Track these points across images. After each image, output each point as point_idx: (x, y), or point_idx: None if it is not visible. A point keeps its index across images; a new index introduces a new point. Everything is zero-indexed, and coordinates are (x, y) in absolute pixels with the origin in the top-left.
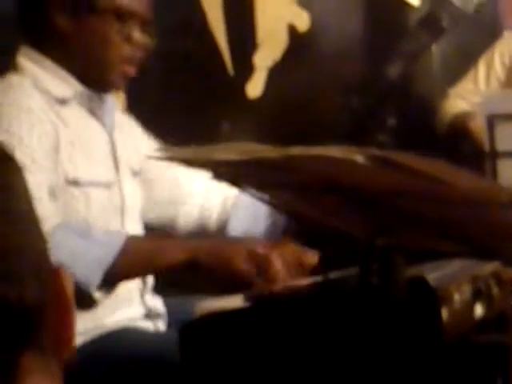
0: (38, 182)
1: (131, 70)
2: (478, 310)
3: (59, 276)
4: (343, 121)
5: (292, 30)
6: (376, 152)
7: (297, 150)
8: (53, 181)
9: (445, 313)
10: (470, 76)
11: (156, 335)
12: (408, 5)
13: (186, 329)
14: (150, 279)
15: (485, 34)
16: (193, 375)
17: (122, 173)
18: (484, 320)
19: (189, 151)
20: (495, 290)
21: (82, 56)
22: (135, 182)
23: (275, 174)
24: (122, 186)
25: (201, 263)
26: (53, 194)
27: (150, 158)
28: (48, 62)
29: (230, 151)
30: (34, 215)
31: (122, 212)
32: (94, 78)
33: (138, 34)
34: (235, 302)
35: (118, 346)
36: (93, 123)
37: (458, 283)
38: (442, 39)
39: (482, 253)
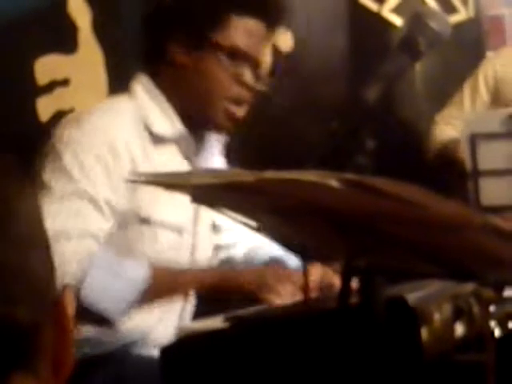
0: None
1: (239, 112)
2: (459, 329)
3: (62, 301)
4: (322, 143)
5: (275, 50)
6: (350, 176)
7: (271, 174)
8: (120, 217)
9: (424, 332)
10: (455, 101)
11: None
12: (391, 25)
13: (167, 350)
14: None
15: (468, 54)
16: None
17: (201, 223)
18: (465, 339)
19: (167, 175)
20: (476, 309)
21: (192, 91)
22: (212, 234)
23: (251, 197)
24: (196, 235)
25: (211, 291)
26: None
27: (129, 182)
28: (158, 94)
29: (206, 175)
30: (37, 239)
31: (191, 259)
32: (198, 113)
33: (248, 76)
34: (215, 323)
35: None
36: (183, 167)
37: (438, 302)
38: (425, 60)
39: (459, 275)
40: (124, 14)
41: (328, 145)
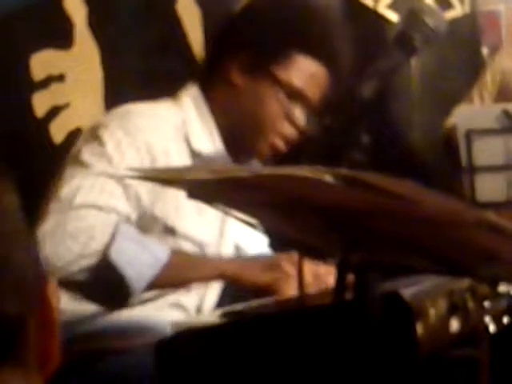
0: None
1: (282, 146)
2: (454, 324)
3: (46, 292)
4: (317, 138)
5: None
6: (345, 172)
7: (267, 170)
8: (144, 219)
9: (419, 328)
10: (467, 98)
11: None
12: (387, 21)
13: (162, 345)
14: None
15: (464, 50)
16: None
17: (225, 242)
18: (460, 334)
19: (163, 171)
20: (471, 305)
21: (241, 114)
22: (235, 255)
23: (247, 193)
24: (219, 254)
25: (227, 279)
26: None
27: (126, 177)
28: (205, 109)
29: (203, 171)
30: (21, 234)
31: None
32: (242, 139)
33: (300, 116)
34: (211, 318)
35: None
36: None
37: (433, 298)
38: (421, 56)
39: (454, 270)
40: (120, 10)
41: (323, 140)
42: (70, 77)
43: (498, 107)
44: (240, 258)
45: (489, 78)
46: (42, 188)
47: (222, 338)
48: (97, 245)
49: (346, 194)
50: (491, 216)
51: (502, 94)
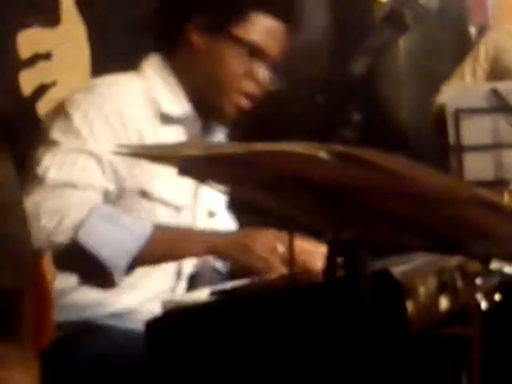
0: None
1: (246, 105)
2: (443, 302)
3: (41, 266)
4: (308, 116)
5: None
6: (339, 148)
7: (261, 146)
8: (120, 184)
9: (410, 306)
10: (457, 73)
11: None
12: (376, 1)
13: (152, 323)
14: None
15: (451, 29)
16: (159, 370)
17: (199, 207)
18: (449, 313)
19: (154, 147)
20: (460, 283)
21: (204, 76)
22: (210, 221)
23: (240, 170)
24: (194, 218)
25: (218, 255)
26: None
27: (115, 153)
28: (168, 73)
29: (195, 147)
30: (15, 207)
31: None
32: (207, 100)
33: (262, 73)
34: (201, 296)
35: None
36: None
37: (423, 276)
38: (409, 35)
39: (446, 247)
40: None
41: (314, 118)
42: (56, 55)
43: (487, 86)
44: (229, 233)
45: (482, 54)
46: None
47: (212, 317)
48: (69, 224)
49: (340, 170)
50: (486, 192)
51: (495, 71)
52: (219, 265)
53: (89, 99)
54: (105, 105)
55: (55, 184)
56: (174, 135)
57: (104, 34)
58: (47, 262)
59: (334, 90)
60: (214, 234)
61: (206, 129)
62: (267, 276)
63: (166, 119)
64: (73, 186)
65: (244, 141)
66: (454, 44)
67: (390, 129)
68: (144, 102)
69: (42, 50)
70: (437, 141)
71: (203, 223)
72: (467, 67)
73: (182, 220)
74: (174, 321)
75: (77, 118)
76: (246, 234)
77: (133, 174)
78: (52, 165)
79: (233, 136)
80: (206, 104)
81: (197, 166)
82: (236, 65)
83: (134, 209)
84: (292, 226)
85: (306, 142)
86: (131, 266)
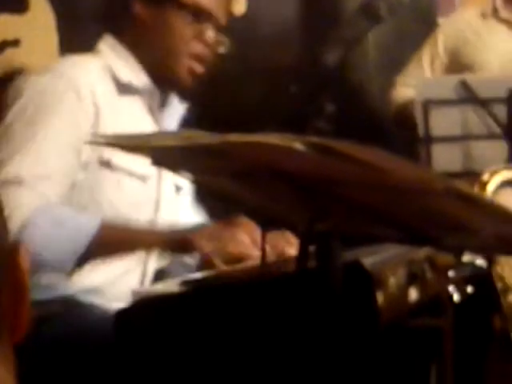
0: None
1: (199, 68)
2: (413, 294)
3: (18, 257)
4: (280, 107)
5: (228, 14)
6: (315, 139)
7: (236, 137)
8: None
9: (380, 297)
10: (414, 60)
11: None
12: None
13: (122, 314)
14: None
15: (420, 20)
16: (127, 359)
17: (164, 179)
18: (418, 304)
19: (127, 137)
20: (429, 275)
21: (154, 46)
22: (177, 196)
23: (213, 160)
24: (159, 191)
25: (166, 250)
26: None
27: (88, 143)
28: (123, 50)
29: (168, 137)
30: None
31: (157, 208)
32: (161, 69)
33: (210, 35)
34: (171, 286)
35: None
36: (146, 120)
37: (393, 267)
38: (379, 27)
39: (418, 239)
40: None
41: (287, 109)
42: (25, 41)
43: (456, 78)
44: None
45: (441, 46)
46: None
47: (182, 307)
48: (12, 226)
49: (315, 162)
50: (460, 184)
51: (455, 64)
52: (188, 259)
53: (43, 81)
54: (59, 83)
55: (2, 181)
56: (132, 107)
57: (72, 21)
58: (23, 252)
59: (307, 80)
60: (160, 232)
61: (165, 102)
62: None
63: (125, 89)
64: (20, 182)
65: (216, 131)
66: (424, 35)
67: (362, 120)
68: (101, 75)
69: (9, 36)
70: (402, 132)
71: (169, 197)
72: (425, 57)
73: (148, 193)
74: (143, 311)
75: (30, 104)
76: (188, 231)
77: (94, 146)
78: (3, 159)
79: (204, 126)
80: (161, 73)
81: (170, 156)
82: (183, 29)
83: (99, 182)
84: (265, 217)
85: (280, 132)
86: (80, 263)
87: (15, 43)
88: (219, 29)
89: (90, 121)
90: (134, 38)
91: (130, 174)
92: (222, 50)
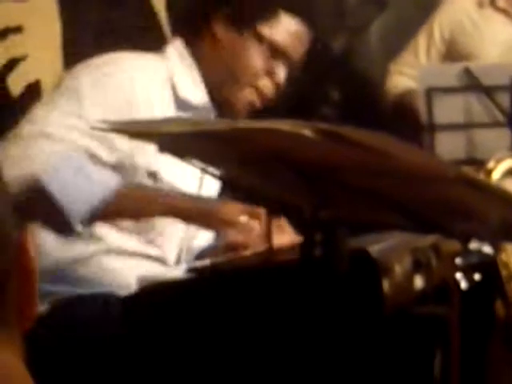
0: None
1: (257, 102)
2: (418, 281)
3: (25, 242)
4: (286, 94)
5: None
6: (324, 126)
7: (245, 124)
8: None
9: (386, 284)
10: (410, 49)
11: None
12: None
13: (130, 300)
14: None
15: (423, 7)
16: (136, 344)
17: (204, 193)
18: (423, 292)
19: (135, 123)
20: (434, 262)
21: (223, 67)
22: None
23: (221, 147)
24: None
25: (178, 217)
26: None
27: (94, 129)
28: (190, 62)
29: (176, 123)
30: None
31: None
32: (222, 92)
33: (281, 74)
34: (178, 273)
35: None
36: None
37: (398, 255)
38: (382, 15)
39: (425, 226)
40: None
41: (291, 96)
42: (27, 28)
43: (459, 65)
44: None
45: (437, 35)
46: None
47: (189, 293)
48: (34, 169)
49: (324, 148)
50: (470, 172)
51: (453, 53)
52: (196, 246)
53: (101, 71)
54: (116, 97)
55: (29, 134)
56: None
57: (75, 7)
58: (30, 237)
59: (312, 67)
60: (180, 197)
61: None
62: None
63: (183, 105)
64: (47, 136)
65: (225, 117)
66: (426, 23)
67: (366, 107)
68: (163, 85)
69: (12, 23)
70: (409, 119)
71: None
72: (421, 45)
73: None
74: (151, 298)
75: (85, 87)
76: (210, 202)
77: (140, 152)
78: (37, 119)
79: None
80: (221, 95)
81: (178, 143)
82: (256, 61)
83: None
84: (271, 203)
85: (287, 119)
86: (91, 218)
87: (18, 30)
88: (292, 67)
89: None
90: (205, 52)
91: (172, 188)
92: (287, 89)
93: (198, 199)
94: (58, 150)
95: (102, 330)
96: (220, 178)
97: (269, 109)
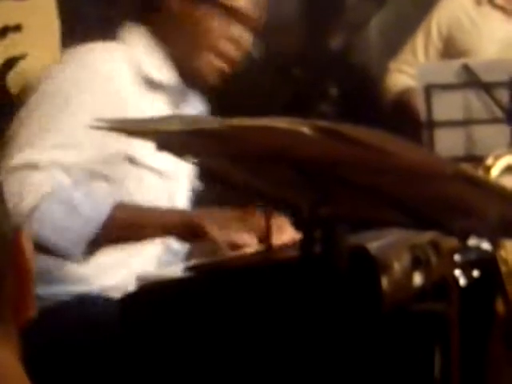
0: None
1: (225, 68)
2: (417, 278)
3: (21, 243)
4: (285, 91)
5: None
6: (322, 123)
7: (242, 121)
8: (106, 151)
9: (385, 281)
10: (408, 47)
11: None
12: None
13: (127, 299)
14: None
15: (422, 4)
16: (134, 344)
17: (182, 172)
18: (422, 288)
19: (132, 122)
20: (434, 259)
21: (184, 39)
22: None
23: (219, 145)
24: (178, 183)
25: (176, 237)
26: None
27: (93, 128)
28: (151, 41)
29: (174, 122)
30: None
31: (172, 205)
32: (186, 64)
33: (241, 35)
34: (176, 272)
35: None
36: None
37: (397, 252)
38: (381, 12)
39: (424, 223)
40: None
41: (290, 93)
42: (26, 27)
43: (458, 62)
44: (191, 213)
45: (435, 32)
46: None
47: (187, 292)
48: (25, 207)
49: (322, 146)
50: (468, 168)
51: (450, 50)
52: (176, 245)
53: (74, 71)
54: (83, 73)
55: (16, 166)
56: (158, 102)
57: (74, 5)
58: (26, 237)
59: (310, 64)
60: (173, 216)
61: (186, 99)
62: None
63: (152, 86)
64: (34, 166)
65: (221, 114)
66: (424, 19)
67: (365, 104)
68: (128, 68)
69: (11, 22)
70: (408, 116)
71: (184, 194)
72: (419, 43)
73: (166, 189)
74: (148, 296)
75: (50, 93)
76: (198, 214)
77: (120, 142)
78: (18, 145)
79: (209, 109)
80: (188, 68)
81: (175, 141)
82: (215, 26)
83: (124, 176)
84: (269, 201)
85: (284, 117)
86: (89, 250)
87: (17, 28)
88: (254, 32)
89: (112, 109)
90: (163, 29)
91: (152, 170)
92: (254, 54)
93: (183, 213)
94: (47, 182)
95: (100, 330)
96: (216, 175)
97: (265, 107)
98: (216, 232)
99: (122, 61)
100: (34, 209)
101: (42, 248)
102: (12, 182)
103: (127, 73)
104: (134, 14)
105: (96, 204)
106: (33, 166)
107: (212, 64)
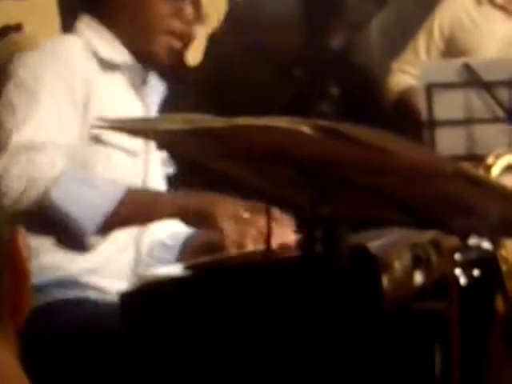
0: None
1: (177, 45)
2: (417, 277)
3: (17, 243)
4: (285, 90)
5: None
6: (323, 123)
7: (243, 120)
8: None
9: (385, 280)
10: (410, 47)
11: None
12: None
13: (127, 297)
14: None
15: (423, 4)
16: (133, 343)
17: (152, 150)
18: (423, 287)
19: (133, 121)
20: (434, 258)
21: (131, 24)
22: (163, 168)
23: (220, 144)
24: (148, 162)
25: (186, 220)
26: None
27: (93, 128)
28: (101, 29)
29: (174, 121)
30: None
31: (144, 184)
32: (139, 47)
33: (190, 11)
34: (176, 270)
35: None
36: (130, 96)
37: (398, 251)
38: (382, 12)
39: (425, 222)
40: None
41: (290, 92)
42: (27, 26)
43: (459, 61)
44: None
45: (436, 32)
46: None
47: (186, 291)
48: (41, 183)
49: (323, 145)
50: (469, 167)
51: (452, 49)
52: (170, 241)
53: (36, 58)
54: (53, 60)
55: (19, 147)
56: (117, 83)
57: (74, 6)
58: (22, 239)
59: (310, 64)
60: (184, 199)
61: (146, 80)
62: (238, 249)
63: (107, 66)
64: (37, 148)
65: (221, 115)
66: (426, 21)
67: (366, 103)
68: (85, 55)
69: (12, 21)
70: (409, 116)
71: (156, 172)
72: (421, 43)
73: (136, 168)
74: (149, 295)
75: (28, 79)
76: (210, 200)
77: (85, 122)
78: (13, 128)
79: (206, 109)
80: (140, 51)
81: (176, 140)
82: (160, 6)
83: (89, 156)
84: (269, 200)
85: (284, 116)
86: (103, 228)
87: (18, 28)
88: (200, 5)
89: (82, 94)
90: (112, 17)
91: (120, 148)
92: (202, 24)
93: (197, 198)
94: (57, 162)
95: (99, 329)
96: (218, 174)
97: (266, 106)
98: (227, 226)
99: (79, 48)
100: (52, 183)
101: (57, 221)
102: (21, 162)
103: (85, 58)
104: (87, 5)
105: (111, 182)
106: (36, 149)
107: (164, 43)
